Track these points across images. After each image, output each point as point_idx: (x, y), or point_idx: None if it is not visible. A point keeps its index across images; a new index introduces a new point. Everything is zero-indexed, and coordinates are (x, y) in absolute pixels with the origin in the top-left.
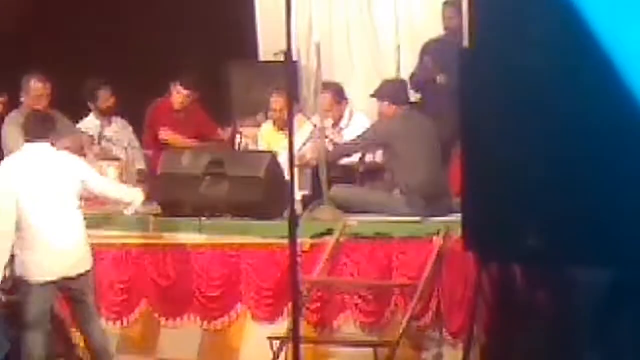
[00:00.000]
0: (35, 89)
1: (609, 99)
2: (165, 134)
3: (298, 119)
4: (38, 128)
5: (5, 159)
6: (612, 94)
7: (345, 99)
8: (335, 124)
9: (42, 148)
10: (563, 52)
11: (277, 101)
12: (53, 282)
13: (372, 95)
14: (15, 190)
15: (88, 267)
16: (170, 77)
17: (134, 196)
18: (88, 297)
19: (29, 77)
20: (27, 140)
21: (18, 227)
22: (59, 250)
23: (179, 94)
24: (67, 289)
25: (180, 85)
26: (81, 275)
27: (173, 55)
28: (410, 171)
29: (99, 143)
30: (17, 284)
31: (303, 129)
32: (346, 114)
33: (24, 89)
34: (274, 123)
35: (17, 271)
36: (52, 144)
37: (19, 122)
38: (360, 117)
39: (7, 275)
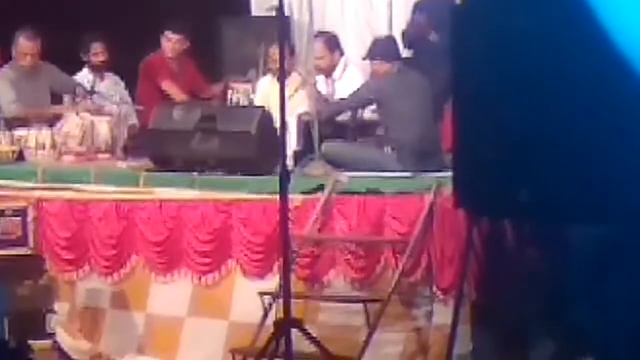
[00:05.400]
0: (24, 47)
1: (601, 56)
2: (166, 86)
3: (293, 78)
4: None
5: None
6: (604, 52)
7: (340, 49)
8: (328, 75)
9: None
10: (554, 11)
11: (277, 52)
12: None
13: (365, 58)
14: None
15: None
16: (162, 32)
17: None
18: None
19: (18, 34)
20: None
21: None
22: None
23: (169, 41)
24: None
25: (170, 30)
26: None
27: (165, 10)
28: (403, 128)
29: (91, 97)
30: None
31: (298, 93)
32: (340, 65)
33: (14, 44)
34: (274, 74)
35: None
36: None
37: (10, 77)
38: (354, 70)
39: None
